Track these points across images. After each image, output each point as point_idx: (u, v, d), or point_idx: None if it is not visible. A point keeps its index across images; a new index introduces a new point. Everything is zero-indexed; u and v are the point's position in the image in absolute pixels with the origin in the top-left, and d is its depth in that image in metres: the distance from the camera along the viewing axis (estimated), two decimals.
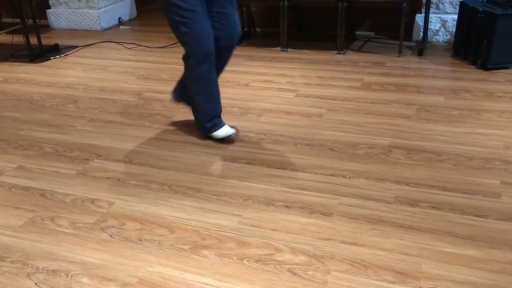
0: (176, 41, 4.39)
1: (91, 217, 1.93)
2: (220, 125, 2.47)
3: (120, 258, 1.69)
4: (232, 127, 2.53)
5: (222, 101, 2.63)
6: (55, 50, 4.27)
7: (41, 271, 1.64)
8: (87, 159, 2.38)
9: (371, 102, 2.91)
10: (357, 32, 4.46)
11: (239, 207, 1.95)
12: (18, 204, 2.03)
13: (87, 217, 1.92)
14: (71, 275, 1.61)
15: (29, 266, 1.67)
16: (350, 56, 3.84)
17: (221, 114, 2.49)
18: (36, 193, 2.11)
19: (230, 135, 2.45)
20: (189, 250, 1.71)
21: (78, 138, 2.61)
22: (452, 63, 3.56)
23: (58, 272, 1.63)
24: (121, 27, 5.13)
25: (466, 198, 1.94)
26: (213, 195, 2.04)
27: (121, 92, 3.26)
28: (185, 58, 2.34)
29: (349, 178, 2.12)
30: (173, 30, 2.27)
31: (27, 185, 2.17)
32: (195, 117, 2.52)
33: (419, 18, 4.06)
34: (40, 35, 4.23)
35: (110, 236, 1.81)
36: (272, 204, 1.96)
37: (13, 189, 2.14)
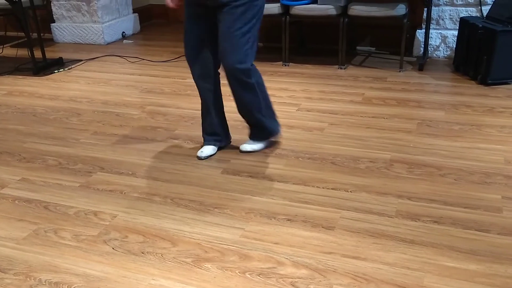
0: (179, 55, 4.45)
1: (94, 229, 1.93)
2: (204, 142, 2.54)
3: (123, 271, 1.69)
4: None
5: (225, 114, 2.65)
6: (59, 64, 4.31)
7: (44, 283, 1.64)
8: (90, 172, 2.39)
9: (373, 117, 2.93)
10: (358, 47, 4.50)
11: (241, 220, 1.96)
12: (21, 216, 2.04)
13: (90, 230, 1.93)
14: None
15: (32, 278, 1.67)
16: (352, 71, 3.87)
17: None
18: (39, 206, 2.12)
19: (199, 157, 2.50)
20: (191, 263, 1.72)
21: (82, 151, 2.63)
22: (453, 78, 3.59)
23: (61, 285, 1.63)
24: (124, 41, 5.18)
25: (468, 213, 1.95)
26: (216, 208, 2.05)
27: (124, 106, 3.28)
28: None
29: (351, 192, 2.13)
30: None
31: (30, 198, 2.18)
32: None
33: (420, 33, 4.10)
34: (45, 48, 4.28)
35: (113, 248, 1.81)
36: (274, 218, 1.96)
37: (16, 201, 2.16)
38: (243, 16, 2.16)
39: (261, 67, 4.03)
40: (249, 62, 2.25)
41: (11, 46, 5.08)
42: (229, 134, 2.59)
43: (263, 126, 2.47)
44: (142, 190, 2.21)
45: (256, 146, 2.52)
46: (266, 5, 3.87)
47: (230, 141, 2.61)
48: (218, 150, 2.55)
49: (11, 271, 1.71)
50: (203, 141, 2.55)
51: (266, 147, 2.53)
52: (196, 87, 2.43)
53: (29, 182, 2.32)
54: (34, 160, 2.54)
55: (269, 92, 3.41)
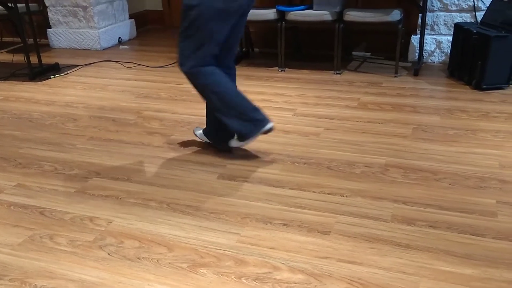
0: (175, 61, 4.46)
1: (90, 235, 1.93)
2: None
3: (118, 277, 1.69)
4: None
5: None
6: (55, 69, 4.31)
7: None
8: (86, 177, 2.39)
9: (368, 122, 2.95)
10: (353, 53, 4.53)
11: (237, 225, 1.96)
12: (17, 222, 2.04)
13: (85, 235, 1.93)
14: None
15: (27, 284, 1.66)
16: (347, 76, 3.89)
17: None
18: (35, 211, 2.11)
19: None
20: (187, 269, 1.72)
21: (77, 156, 2.63)
22: (448, 83, 3.61)
23: None
24: (120, 46, 5.19)
25: (463, 217, 1.95)
26: (212, 213, 2.05)
27: (121, 111, 3.29)
28: None
29: (346, 196, 2.14)
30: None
31: (26, 203, 2.18)
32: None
33: (415, 39, 4.13)
34: (41, 54, 4.28)
35: (108, 254, 1.81)
36: (270, 222, 1.97)
37: (12, 207, 2.15)
38: (182, 22, 2.27)
39: (257, 72, 4.05)
40: (187, 64, 2.32)
41: (7, 52, 5.07)
42: (219, 140, 2.55)
43: (228, 126, 2.40)
44: (138, 196, 2.21)
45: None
46: (262, 11, 3.89)
47: (222, 147, 2.58)
48: (214, 149, 2.57)
49: (6, 277, 1.70)
50: None
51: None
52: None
53: (25, 187, 2.32)
54: (30, 165, 2.54)
55: (265, 97, 3.44)
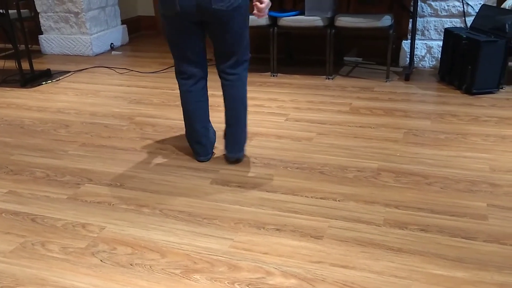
0: (167, 66, 4.46)
1: (82, 241, 1.92)
2: None
3: (111, 283, 1.68)
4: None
5: (214, 125, 2.68)
6: (47, 75, 4.30)
7: None
8: (78, 184, 2.38)
9: (360, 126, 2.96)
10: (345, 58, 4.55)
11: (230, 230, 1.96)
12: (8, 229, 2.03)
13: (78, 242, 1.92)
14: None
15: None
16: (339, 81, 3.91)
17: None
18: (27, 218, 2.10)
19: None
20: (180, 275, 1.72)
21: (70, 162, 2.62)
22: (438, 88, 3.64)
23: None
24: (113, 52, 5.18)
25: (454, 221, 1.97)
26: (205, 218, 2.05)
27: (113, 117, 3.28)
28: (247, 64, 2.50)
29: (339, 201, 2.15)
30: (242, 36, 2.35)
31: (17, 210, 2.16)
32: (242, 135, 2.50)
33: (405, 44, 4.16)
34: (32, 60, 4.26)
35: (101, 260, 1.80)
36: (263, 228, 1.97)
37: (3, 214, 2.14)
38: None
39: (250, 77, 4.06)
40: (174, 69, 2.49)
41: None
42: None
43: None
44: (131, 202, 2.20)
45: None
46: (254, 17, 3.91)
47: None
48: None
49: None
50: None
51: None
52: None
53: (17, 194, 2.30)
54: (22, 172, 2.53)
55: (258, 102, 3.46)
